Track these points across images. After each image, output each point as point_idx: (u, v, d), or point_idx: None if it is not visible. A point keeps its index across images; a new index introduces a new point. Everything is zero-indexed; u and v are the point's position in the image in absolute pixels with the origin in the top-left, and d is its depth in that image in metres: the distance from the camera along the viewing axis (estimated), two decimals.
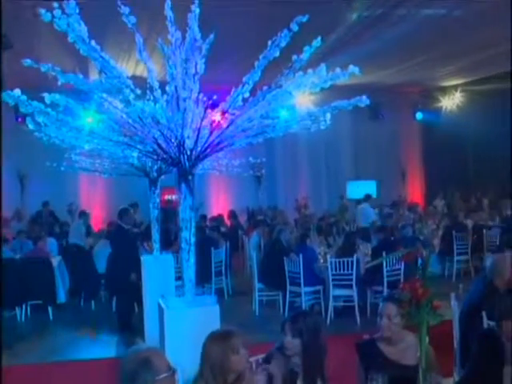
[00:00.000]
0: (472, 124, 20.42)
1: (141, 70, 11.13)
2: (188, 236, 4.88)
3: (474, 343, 4.39)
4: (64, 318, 10.92)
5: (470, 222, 14.93)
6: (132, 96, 4.44)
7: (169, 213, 12.46)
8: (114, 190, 17.70)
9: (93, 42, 4.15)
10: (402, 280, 9.76)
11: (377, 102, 19.58)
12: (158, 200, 9.03)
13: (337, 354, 5.96)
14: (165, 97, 4.71)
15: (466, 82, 20.28)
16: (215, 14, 8.89)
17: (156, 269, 8.71)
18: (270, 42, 4.37)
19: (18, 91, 4.23)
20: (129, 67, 13.19)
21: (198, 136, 4.73)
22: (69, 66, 11.83)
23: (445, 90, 21.70)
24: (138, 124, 4.76)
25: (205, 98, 4.86)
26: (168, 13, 4.50)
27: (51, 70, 4.31)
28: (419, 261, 3.73)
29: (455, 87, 21.22)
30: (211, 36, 4.73)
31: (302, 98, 4.98)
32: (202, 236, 12.35)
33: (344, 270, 10.00)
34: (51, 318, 10.84)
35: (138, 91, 4.51)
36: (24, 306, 10.83)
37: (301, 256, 10.28)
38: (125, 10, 4.17)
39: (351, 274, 10.00)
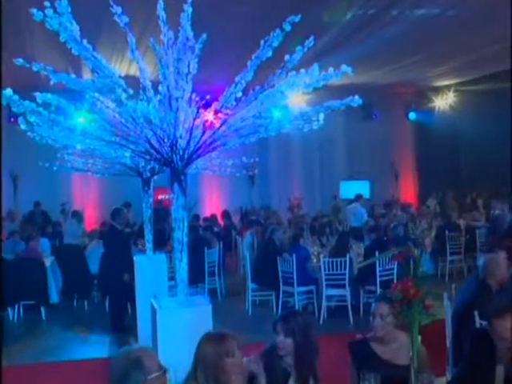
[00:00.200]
0: (465, 124, 20.46)
1: (134, 70, 11.12)
2: (181, 236, 4.87)
3: (467, 342, 4.40)
4: (57, 318, 10.89)
5: (462, 222, 14.97)
6: (124, 96, 4.43)
7: (160, 212, 12.44)
8: (107, 190, 17.65)
9: (85, 42, 4.14)
10: (395, 280, 9.78)
11: (370, 102, 19.60)
12: (150, 200, 9.02)
13: (330, 353, 5.99)
14: (158, 97, 4.71)
15: (459, 82, 20.32)
16: (208, 13, 8.88)
17: (149, 269, 8.70)
18: (262, 42, 4.37)
19: (9, 91, 4.22)
20: (122, 67, 13.17)
21: (190, 136, 4.73)
22: (62, 65, 11.83)
23: (438, 90, 21.74)
24: (130, 124, 4.76)
25: (197, 98, 4.85)
26: (160, 12, 4.49)
27: (43, 69, 4.29)
28: (411, 260, 3.73)
29: (448, 87, 21.25)
30: (204, 35, 4.72)
31: (295, 98, 4.99)
32: (196, 236, 12.34)
33: (337, 269, 10.01)
34: (44, 318, 10.81)
35: (131, 91, 4.50)
36: (16, 306, 10.79)
37: (294, 256, 10.29)
38: (117, 9, 4.16)
39: (344, 274, 10.02)
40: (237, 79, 4.61)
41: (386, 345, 4.34)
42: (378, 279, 9.98)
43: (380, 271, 10.01)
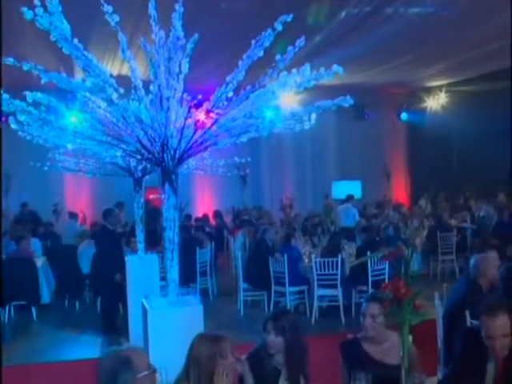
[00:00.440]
0: (457, 124, 20.49)
1: (126, 70, 11.07)
2: (172, 236, 4.87)
3: (458, 341, 4.41)
4: (48, 319, 10.85)
5: (454, 222, 15.00)
6: (115, 95, 4.42)
7: (150, 212, 12.40)
8: (99, 189, 17.61)
9: (75, 41, 4.13)
10: (386, 280, 9.78)
11: (362, 103, 19.62)
12: (142, 200, 9.01)
13: (321, 353, 6.00)
14: (149, 96, 4.71)
15: (451, 82, 20.37)
16: (200, 13, 8.88)
17: (140, 269, 8.69)
18: (253, 42, 4.37)
19: None
20: (114, 66, 13.13)
21: (181, 135, 4.73)
22: (53, 64, 11.79)
23: (430, 91, 21.77)
24: (121, 123, 4.75)
25: (189, 98, 4.85)
26: (152, 12, 4.48)
27: (34, 68, 4.28)
28: (402, 260, 3.73)
29: (440, 88, 21.29)
30: (196, 35, 4.72)
31: (286, 98, 4.99)
32: (188, 236, 12.32)
33: (329, 269, 10.01)
34: (35, 318, 10.76)
35: (122, 90, 4.50)
36: (7, 307, 10.74)
37: (285, 256, 10.28)
38: (108, 8, 4.15)
39: (336, 274, 10.01)
40: (228, 79, 4.61)
41: (377, 345, 4.34)
42: (370, 279, 9.98)
43: (372, 271, 10.01)
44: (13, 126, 5.10)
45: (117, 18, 4.21)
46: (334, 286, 10.09)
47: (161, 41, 4.49)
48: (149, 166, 7.90)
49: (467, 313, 5.61)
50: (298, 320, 4.34)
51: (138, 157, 5.27)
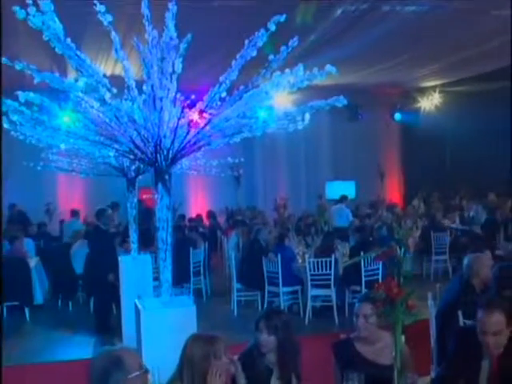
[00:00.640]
0: (450, 125, 20.55)
1: (120, 70, 11.06)
2: (165, 236, 4.86)
3: (452, 340, 4.42)
4: (41, 319, 10.81)
5: (447, 222, 15.04)
6: (108, 95, 4.41)
7: (143, 212, 12.39)
8: (93, 190, 17.58)
9: (68, 40, 4.12)
10: (380, 280, 9.79)
11: (356, 103, 19.63)
12: (135, 200, 8.99)
13: (314, 353, 6.00)
14: (143, 96, 4.70)
15: (445, 82, 20.41)
16: (194, 13, 8.87)
17: (134, 269, 8.68)
18: (247, 42, 4.37)
19: None
20: (108, 66, 13.10)
21: (174, 135, 4.72)
22: (46, 64, 11.76)
23: (423, 91, 21.82)
24: (114, 123, 4.74)
25: (182, 98, 4.84)
26: (145, 11, 4.48)
27: (26, 68, 4.27)
28: (395, 260, 3.74)
29: (433, 88, 21.34)
30: (189, 35, 4.72)
31: (280, 98, 5.00)
32: (181, 236, 12.30)
33: (322, 269, 10.01)
34: (28, 319, 10.72)
35: (115, 90, 4.49)
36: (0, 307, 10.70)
37: (279, 256, 10.28)
38: (100, 7, 4.14)
39: (329, 274, 10.01)
40: (221, 79, 4.61)
41: (370, 345, 4.34)
42: (364, 279, 9.99)
43: (365, 271, 10.01)
44: (5, 125, 5.08)
45: (110, 17, 4.20)
46: (328, 286, 10.09)
47: (154, 41, 4.48)
48: (142, 166, 7.89)
49: (460, 313, 5.63)
50: (290, 319, 4.37)
51: (131, 157, 5.26)
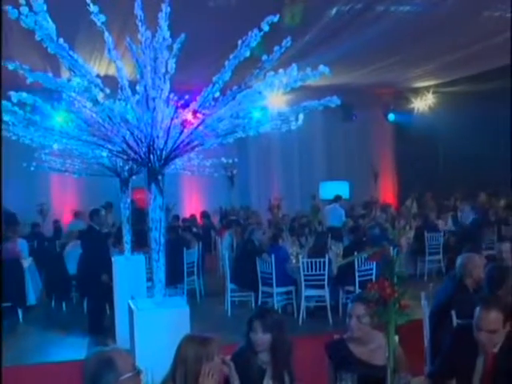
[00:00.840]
0: (443, 125, 20.59)
1: (114, 70, 11.03)
2: (158, 236, 4.86)
3: (450, 335, 4.44)
4: (34, 320, 10.79)
5: (441, 223, 15.06)
6: (101, 95, 4.40)
7: (136, 213, 12.38)
8: (87, 190, 17.54)
9: (61, 40, 4.11)
10: (373, 280, 9.80)
11: (350, 103, 19.62)
12: (129, 200, 8.99)
13: (308, 354, 5.99)
14: (136, 96, 4.69)
15: (438, 83, 20.46)
16: (187, 13, 8.85)
17: (127, 270, 8.67)
18: (240, 42, 4.37)
19: None
20: (102, 66, 13.06)
21: (168, 135, 4.71)
22: (40, 64, 11.72)
23: (417, 92, 21.86)
24: (107, 123, 4.73)
25: (175, 98, 4.84)
26: (138, 11, 4.47)
27: (19, 68, 4.25)
28: (388, 261, 3.74)
29: (427, 88, 21.39)
30: (182, 35, 4.71)
31: (274, 99, 4.99)
32: (175, 236, 12.30)
33: (316, 270, 10.01)
34: (21, 320, 10.69)
35: (108, 90, 4.48)
36: None
37: (273, 256, 10.28)
38: (94, 8, 4.13)
39: (323, 275, 10.02)
40: (215, 79, 4.60)
41: (363, 345, 4.34)
42: (357, 279, 10.00)
43: (359, 271, 10.03)
44: None
45: (103, 17, 4.19)
46: (322, 287, 10.10)
47: (147, 41, 4.48)
48: (135, 166, 7.89)
49: (453, 312, 5.64)
50: (282, 317, 4.44)
51: (124, 157, 5.25)
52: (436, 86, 20.92)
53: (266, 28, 4.26)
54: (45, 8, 3.85)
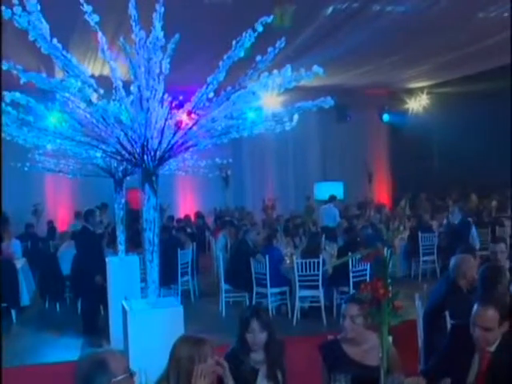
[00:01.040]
0: (438, 125, 20.65)
1: (108, 70, 11.02)
2: (152, 237, 4.85)
3: (447, 333, 4.45)
4: (28, 321, 10.76)
5: (435, 223, 15.07)
6: (95, 96, 4.39)
7: (129, 213, 12.37)
8: (81, 190, 17.51)
9: (55, 40, 4.10)
10: (368, 280, 9.80)
11: (344, 104, 19.64)
12: (123, 201, 8.97)
13: (302, 354, 5.99)
14: (131, 97, 4.68)
15: (432, 84, 20.52)
16: (181, 14, 8.85)
17: (121, 270, 8.65)
18: (234, 42, 4.37)
19: None
20: (96, 67, 13.05)
21: (162, 136, 4.71)
22: (34, 64, 11.69)
23: (411, 92, 21.93)
24: (101, 124, 4.73)
25: (169, 98, 4.84)
26: (132, 12, 4.46)
27: (13, 68, 4.24)
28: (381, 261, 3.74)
29: (421, 89, 21.45)
30: (176, 36, 4.71)
31: (269, 99, 5.00)
32: (169, 237, 12.28)
33: (310, 270, 10.01)
34: (14, 320, 10.66)
35: (102, 91, 4.47)
36: None
37: (267, 257, 10.27)
38: (87, 8, 4.13)
39: (317, 275, 10.01)
40: (209, 80, 4.60)
41: (356, 346, 4.34)
42: (351, 280, 10.00)
43: (353, 272, 10.03)
44: None
45: (96, 17, 4.19)
46: (316, 287, 10.09)
47: (141, 41, 4.47)
48: (129, 167, 7.87)
49: (447, 313, 5.65)
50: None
51: (118, 158, 5.24)
52: (430, 87, 20.98)
53: (260, 29, 4.26)
54: (38, 8, 3.85)
